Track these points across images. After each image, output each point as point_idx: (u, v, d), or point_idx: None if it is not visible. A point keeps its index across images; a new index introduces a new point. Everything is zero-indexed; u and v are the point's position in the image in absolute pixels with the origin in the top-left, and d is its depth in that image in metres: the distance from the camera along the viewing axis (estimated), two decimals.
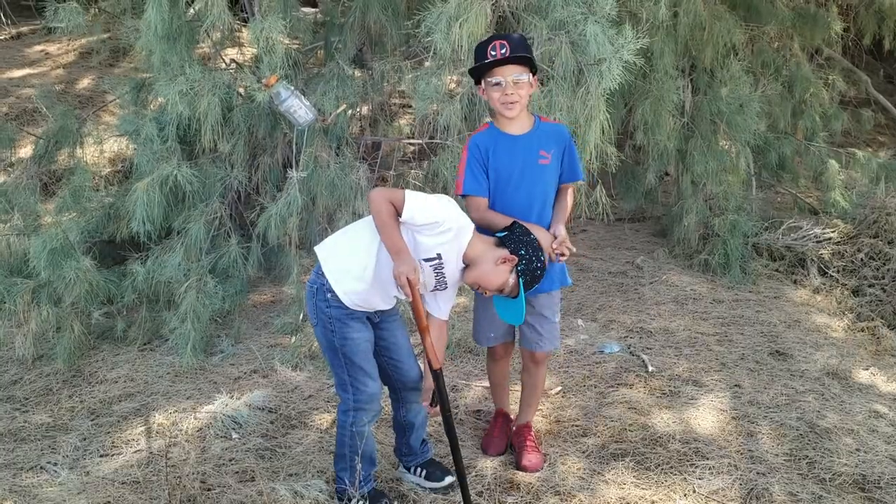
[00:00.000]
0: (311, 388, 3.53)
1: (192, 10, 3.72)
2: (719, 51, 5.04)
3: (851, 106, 7.07)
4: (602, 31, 3.48)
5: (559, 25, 3.59)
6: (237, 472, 2.86)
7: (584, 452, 3.02)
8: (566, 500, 2.72)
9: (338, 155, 4.03)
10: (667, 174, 6.01)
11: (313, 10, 5.74)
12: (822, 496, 2.74)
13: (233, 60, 4.84)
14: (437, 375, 2.46)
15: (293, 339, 3.87)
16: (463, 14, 3.40)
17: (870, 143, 7.77)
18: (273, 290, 4.55)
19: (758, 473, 2.87)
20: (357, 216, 3.88)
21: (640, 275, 4.93)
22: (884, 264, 4.64)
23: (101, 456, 3.01)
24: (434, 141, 3.80)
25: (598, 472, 2.88)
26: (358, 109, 4.30)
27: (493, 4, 3.60)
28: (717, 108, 4.98)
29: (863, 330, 4.24)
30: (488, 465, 2.92)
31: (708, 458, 2.97)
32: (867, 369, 3.81)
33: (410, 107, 5.48)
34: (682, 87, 4.83)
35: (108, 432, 3.18)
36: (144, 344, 3.90)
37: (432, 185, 4.29)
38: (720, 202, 5.12)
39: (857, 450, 3.04)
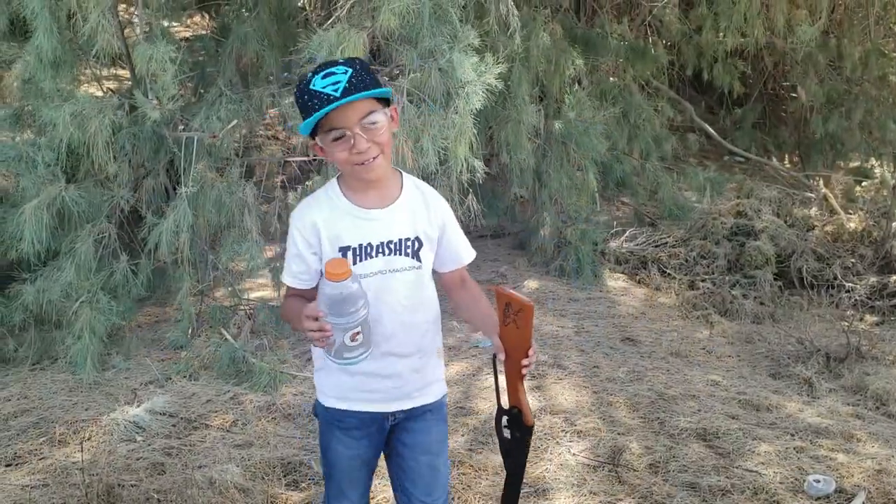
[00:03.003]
0: (208, 393, 3.70)
1: (80, 34, 3.84)
2: (565, 80, 5.65)
3: (679, 131, 7.95)
4: (466, 59, 3.93)
5: (428, 53, 4.00)
6: (147, 468, 3.00)
7: (468, 428, 3.38)
8: (459, 467, 3.07)
9: (222, 174, 4.26)
10: (522, 197, 6.57)
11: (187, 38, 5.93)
12: (672, 447, 3.22)
13: (120, 86, 4.96)
14: (528, 431, 1.86)
15: (184, 353, 4.03)
16: (343, 42, 3.75)
17: (696, 164, 8.71)
18: (161, 308, 4.67)
19: (619, 434, 3.33)
20: (246, 232, 4.12)
21: (505, 281, 5.40)
22: (713, 261, 5.38)
23: (7, 466, 3.07)
24: (317, 158, 4.10)
25: (483, 443, 3.25)
26: (240, 131, 4.52)
27: (368, 34, 3.97)
28: (567, 130, 5.57)
29: (698, 317, 4.89)
30: None
31: (576, 426, 3.41)
32: (703, 348, 4.42)
33: (290, 129, 5.75)
34: (536, 112, 5.37)
35: (9, 444, 3.23)
36: (34, 363, 3.94)
37: None
38: (571, 214, 5.70)
39: (699, 410, 3.58)
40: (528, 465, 3.06)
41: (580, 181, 5.71)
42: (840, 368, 4.15)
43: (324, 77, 1.66)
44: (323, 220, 1.80)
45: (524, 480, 2.94)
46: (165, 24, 5.00)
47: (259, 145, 5.31)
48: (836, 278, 5.34)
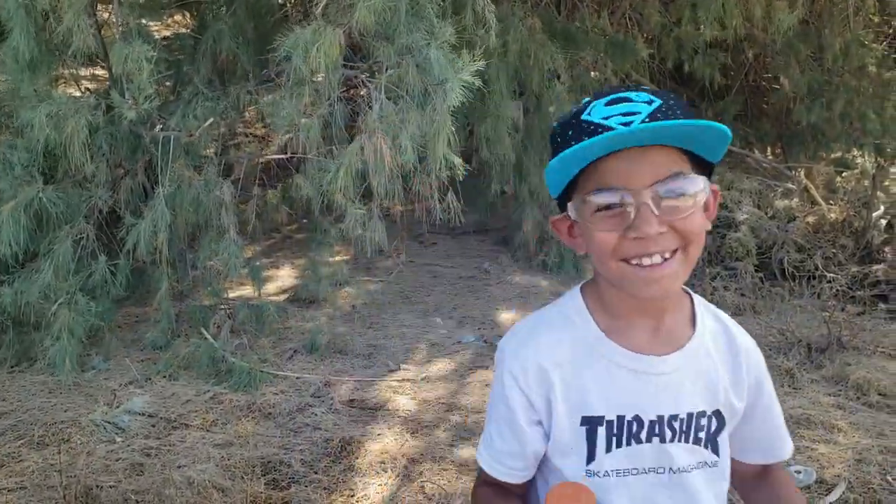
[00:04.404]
0: (188, 393, 3.69)
1: (56, 33, 3.82)
2: (544, 75, 5.65)
3: None
4: (443, 56, 3.92)
5: (405, 50, 3.99)
6: (126, 469, 3.00)
7: (450, 424, 3.38)
8: (441, 463, 3.07)
9: (200, 173, 4.24)
10: (504, 191, 6.57)
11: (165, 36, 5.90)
12: None
13: (98, 86, 4.93)
14: None
15: (164, 353, 4.02)
16: (319, 39, 3.73)
17: None
18: (141, 308, 4.65)
19: None
20: (224, 230, 4.10)
21: (488, 277, 5.41)
22: None
23: None
24: (296, 155, 4.09)
25: (466, 439, 3.26)
26: (218, 129, 4.51)
27: (345, 32, 3.95)
28: (546, 126, 5.57)
29: None
30: None
31: None
32: None
33: (268, 127, 5.74)
34: (515, 107, 5.37)
35: None
36: (13, 366, 3.91)
37: (291, 200, 4.60)
38: (553, 210, 5.70)
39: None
40: None
41: None
42: (821, 359, 4.17)
43: (609, 104, 1.01)
44: (560, 365, 1.11)
45: None
46: (144, 22, 4.96)
47: (238, 143, 5.29)
48: (817, 269, 5.37)
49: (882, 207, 6.05)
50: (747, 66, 8.19)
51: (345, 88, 4.55)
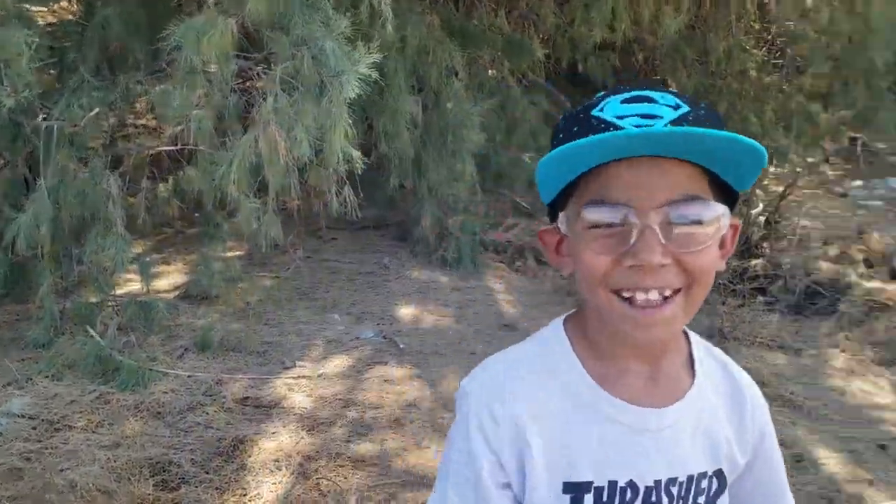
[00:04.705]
0: (72, 393, 3.53)
1: None
2: (442, 72, 5.68)
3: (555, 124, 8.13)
4: (339, 48, 3.88)
5: (301, 41, 3.93)
6: (3, 474, 2.85)
7: (347, 420, 3.37)
8: (336, 459, 3.05)
9: (86, 165, 4.07)
10: (403, 186, 6.58)
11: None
12: None
13: None
14: None
15: (47, 352, 3.83)
16: (211, 29, 3.64)
17: None
18: (22, 305, 4.42)
19: None
20: (110, 225, 3.94)
21: (387, 273, 5.40)
22: None
23: None
24: (187, 147, 3.98)
25: (363, 434, 3.25)
26: (107, 119, 4.34)
27: (238, 22, 3.87)
28: (445, 121, 5.61)
29: (573, 303, 5.03)
30: None
31: (454, 413, 3.44)
32: None
33: (157, 118, 5.55)
34: (414, 102, 5.37)
35: None
36: None
37: (183, 194, 4.48)
38: (451, 205, 5.75)
39: None
40: (408, 454, 3.11)
41: (459, 172, 5.76)
42: None
43: (627, 101, 0.86)
44: (541, 419, 0.94)
45: (403, 469, 2.98)
46: (26, 7, 4.72)
47: (127, 135, 5.09)
48: None
49: (761, 205, 6.40)
50: (637, 68, 8.47)
51: (240, 80, 4.44)
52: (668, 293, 0.84)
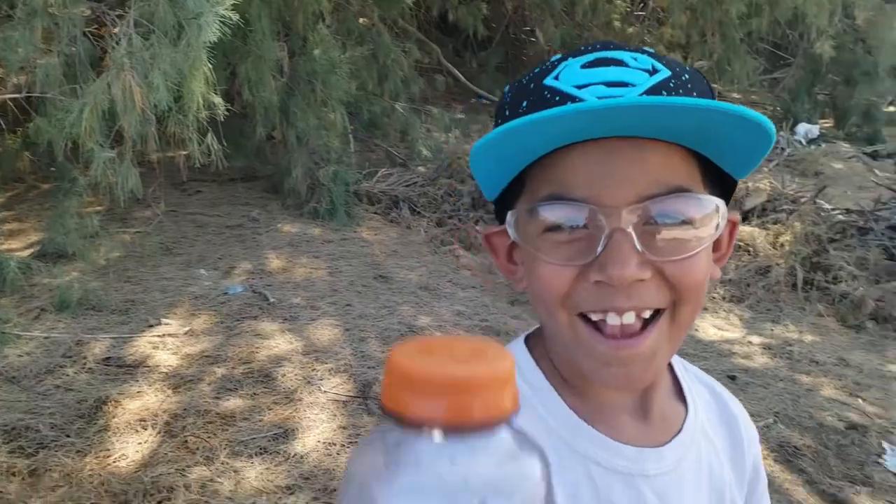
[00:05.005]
0: None
1: None
2: (309, 17, 5.52)
3: (427, 73, 8.10)
4: None
5: None
6: None
7: (216, 376, 3.28)
8: (205, 416, 2.97)
9: None
10: (272, 136, 6.40)
11: None
12: None
13: None
14: None
15: None
16: None
17: (444, 105, 8.97)
18: None
19: (369, 367, 3.39)
20: None
21: (257, 226, 5.26)
22: (458, 199, 5.59)
23: None
24: (33, 95, 3.69)
25: (231, 390, 3.17)
26: None
27: None
28: (312, 68, 5.46)
29: (446, 253, 5.08)
30: None
31: (327, 363, 3.42)
32: (450, 281, 4.60)
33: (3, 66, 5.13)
34: (279, 48, 5.20)
35: None
36: None
37: (35, 146, 4.17)
38: (323, 155, 5.64)
39: (446, 334, 3.73)
40: (278, 407, 3.06)
41: (329, 121, 5.65)
42: None
43: (589, 65, 0.66)
44: None
45: (274, 422, 2.93)
46: None
47: None
48: None
49: None
50: (507, 19, 8.53)
51: (96, 26, 4.16)
52: (647, 314, 0.65)
